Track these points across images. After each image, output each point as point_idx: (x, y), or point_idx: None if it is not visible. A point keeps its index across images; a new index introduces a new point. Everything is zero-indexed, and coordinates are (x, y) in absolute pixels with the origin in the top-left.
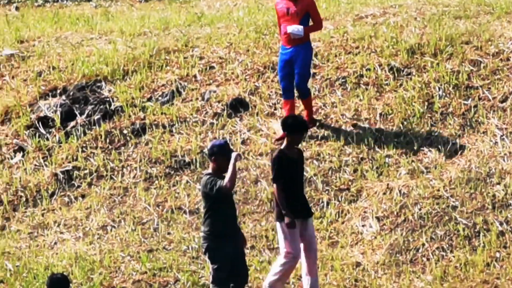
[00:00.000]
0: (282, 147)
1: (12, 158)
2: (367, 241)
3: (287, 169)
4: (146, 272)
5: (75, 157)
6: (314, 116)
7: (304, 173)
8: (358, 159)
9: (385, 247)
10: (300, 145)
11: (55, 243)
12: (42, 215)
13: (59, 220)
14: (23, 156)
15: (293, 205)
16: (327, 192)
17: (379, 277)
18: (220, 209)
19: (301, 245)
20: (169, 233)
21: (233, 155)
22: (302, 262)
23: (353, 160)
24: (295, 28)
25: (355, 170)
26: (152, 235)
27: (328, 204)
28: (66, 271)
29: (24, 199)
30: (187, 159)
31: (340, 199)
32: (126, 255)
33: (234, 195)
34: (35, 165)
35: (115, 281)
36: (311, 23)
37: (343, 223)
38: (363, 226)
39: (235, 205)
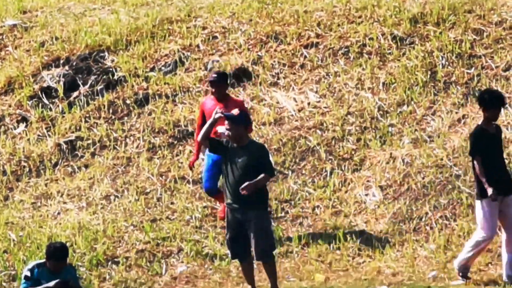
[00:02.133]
0: (480, 122)
1: (15, 129)
2: (370, 210)
3: (486, 144)
4: (149, 242)
5: (78, 127)
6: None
7: (308, 143)
8: (361, 128)
9: (388, 216)
10: (302, 116)
11: (59, 213)
12: (46, 185)
13: (62, 190)
14: (26, 126)
15: (493, 181)
16: (330, 161)
17: (382, 246)
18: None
19: (503, 223)
20: (172, 203)
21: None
22: (502, 239)
23: (356, 130)
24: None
25: (358, 139)
26: (156, 205)
27: (331, 173)
28: (70, 241)
29: (27, 169)
30: (190, 129)
31: (343, 168)
32: (129, 225)
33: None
34: (38, 135)
35: (118, 250)
36: None
37: (346, 192)
38: (366, 195)
39: (233, 171)
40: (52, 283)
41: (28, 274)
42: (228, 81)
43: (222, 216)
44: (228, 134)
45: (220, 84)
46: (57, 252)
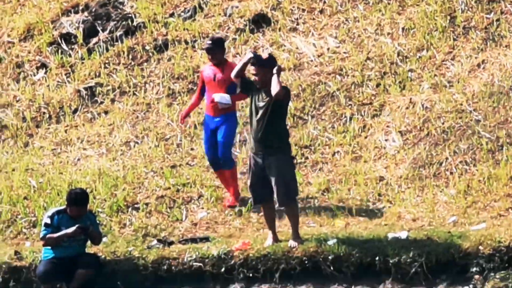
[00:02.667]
0: None
1: (35, 75)
2: (390, 156)
3: None
4: (169, 188)
5: (97, 74)
6: None
7: (327, 88)
8: (381, 74)
9: (408, 161)
10: (322, 61)
11: (79, 159)
12: (65, 131)
13: (82, 136)
14: (46, 72)
15: None
16: (350, 106)
17: (402, 191)
18: None
19: None
20: (192, 149)
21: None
22: None
23: (376, 75)
24: (223, 97)
25: (378, 85)
26: (175, 150)
27: (351, 118)
28: (90, 187)
29: (47, 115)
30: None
31: (363, 114)
32: (149, 171)
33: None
34: (58, 81)
35: (138, 197)
36: None
37: (366, 137)
38: (386, 140)
39: (257, 113)
40: (71, 229)
41: (48, 221)
42: (224, 46)
43: (229, 205)
44: (255, 79)
45: (216, 51)
46: (78, 198)
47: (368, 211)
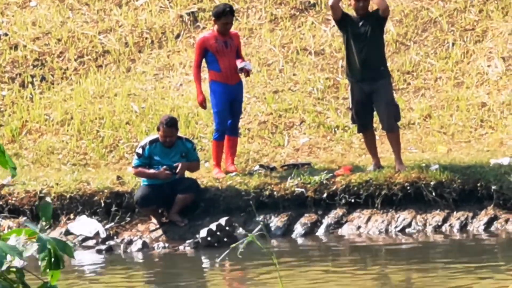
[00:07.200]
0: None
1: (137, 0)
2: (492, 82)
3: None
4: (271, 113)
5: None
6: None
7: (430, 14)
8: None
9: (510, 87)
10: None
11: (181, 84)
12: (168, 56)
13: (184, 61)
14: None
15: None
16: (452, 32)
17: (504, 117)
18: None
19: None
20: (294, 74)
21: None
22: None
23: (479, 0)
24: (245, 63)
25: (480, 10)
26: (278, 76)
27: (453, 44)
28: (191, 112)
29: (149, 41)
30: (312, 0)
31: (465, 40)
32: (251, 97)
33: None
34: (160, 7)
35: (241, 122)
36: None
37: (468, 63)
38: (488, 66)
39: (359, 42)
40: (159, 171)
41: (140, 151)
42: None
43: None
44: (358, 6)
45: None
46: (166, 119)
47: (470, 137)
